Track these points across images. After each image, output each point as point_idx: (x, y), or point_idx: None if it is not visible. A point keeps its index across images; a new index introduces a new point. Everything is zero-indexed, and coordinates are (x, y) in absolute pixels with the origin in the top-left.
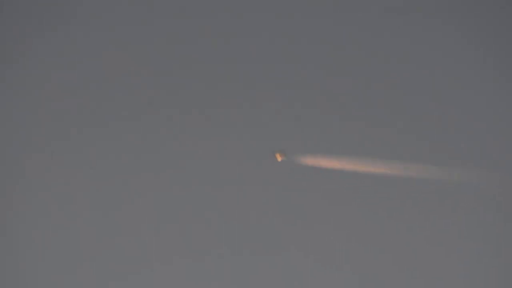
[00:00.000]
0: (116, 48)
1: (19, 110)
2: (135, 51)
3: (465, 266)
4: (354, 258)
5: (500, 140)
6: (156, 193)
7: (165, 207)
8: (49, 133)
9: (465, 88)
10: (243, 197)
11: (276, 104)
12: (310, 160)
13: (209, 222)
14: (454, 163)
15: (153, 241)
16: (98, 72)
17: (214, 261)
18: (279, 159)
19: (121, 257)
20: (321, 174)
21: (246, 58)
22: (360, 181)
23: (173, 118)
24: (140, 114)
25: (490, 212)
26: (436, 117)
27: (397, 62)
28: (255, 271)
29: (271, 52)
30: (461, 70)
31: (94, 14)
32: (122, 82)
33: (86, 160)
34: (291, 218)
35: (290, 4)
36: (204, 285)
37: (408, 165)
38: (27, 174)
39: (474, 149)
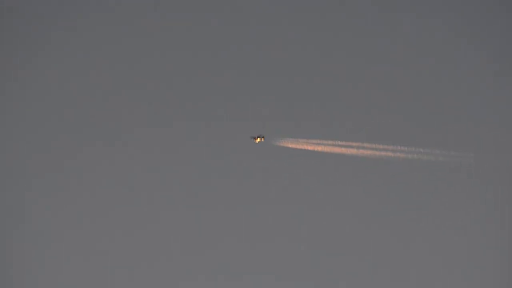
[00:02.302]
0: (111, 45)
1: (19, 111)
2: (133, 49)
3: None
4: (335, 236)
5: (492, 128)
6: (151, 177)
7: (162, 197)
8: (49, 133)
9: (457, 75)
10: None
11: (263, 93)
12: (292, 143)
13: (196, 204)
14: (439, 146)
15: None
16: (98, 72)
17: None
18: (257, 141)
19: (118, 252)
20: (307, 157)
21: (235, 47)
22: (348, 163)
23: (164, 112)
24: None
25: (478, 193)
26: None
27: (386, 50)
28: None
29: (260, 42)
30: (452, 65)
31: (94, 13)
32: (120, 80)
33: (86, 160)
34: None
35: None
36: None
37: (396, 148)
38: (27, 174)
39: (464, 135)
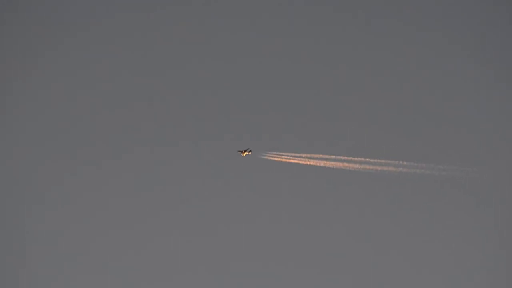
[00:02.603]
0: (108, 44)
1: (20, 113)
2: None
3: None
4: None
5: (490, 141)
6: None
7: (161, 202)
8: (50, 134)
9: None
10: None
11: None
12: (278, 157)
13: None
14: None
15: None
16: (96, 73)
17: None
18: (244, 154)
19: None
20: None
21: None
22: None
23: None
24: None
25: (478, 207)
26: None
27: (381, 61)
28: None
29: (250, 57)
30: (452, 74)
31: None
32: (118, 83)
33: (86, 159)
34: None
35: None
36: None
37: (386, 162)
38: (27, 174)
39: (459, 148)
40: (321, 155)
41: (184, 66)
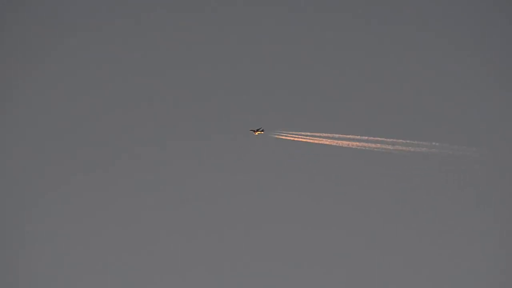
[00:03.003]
0: (107, 44)
1: (19, 112)
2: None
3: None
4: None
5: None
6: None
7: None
8: (50, 134)
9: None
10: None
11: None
12: (287, 135)
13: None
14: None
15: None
16: (95, 72)
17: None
18: (256, 134)
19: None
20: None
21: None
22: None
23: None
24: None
25: (470, 184)
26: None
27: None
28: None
29: (257, 37)
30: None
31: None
32: (117, 82)
33: (85, 158)
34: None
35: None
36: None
37: (386, 140)
38: (27, 175)
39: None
40: (333, 134)
41: (191, 47)
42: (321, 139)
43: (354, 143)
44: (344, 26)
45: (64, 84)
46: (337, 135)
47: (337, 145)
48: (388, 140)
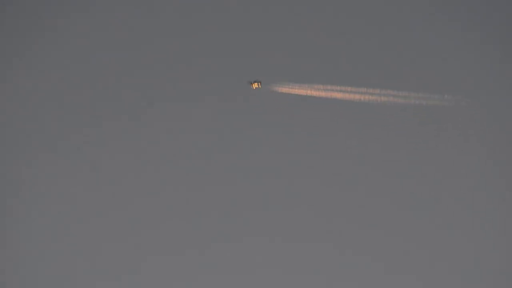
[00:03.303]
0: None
1: (19, 111)
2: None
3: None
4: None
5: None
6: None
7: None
8: (49, 134)
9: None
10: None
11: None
12: (285, 88)
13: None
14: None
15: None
16: (95, 71)
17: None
18: (255, 87)
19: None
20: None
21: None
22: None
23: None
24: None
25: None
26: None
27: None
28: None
29: None
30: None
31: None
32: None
33: (85, 158)
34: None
35: None
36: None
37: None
38: (27, 174)
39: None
40: (334, 87)
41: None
42: (322, 91)
43: (349, 95)
44: None
45: (61, 79)
46: (339, 87)
47: (340, 98)
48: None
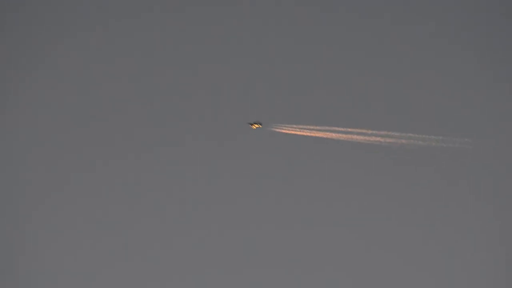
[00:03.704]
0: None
1: (19, 111)
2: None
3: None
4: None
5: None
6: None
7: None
8: (49, 134)
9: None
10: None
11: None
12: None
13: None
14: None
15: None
16: (96, 72)
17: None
18: (255, 128)
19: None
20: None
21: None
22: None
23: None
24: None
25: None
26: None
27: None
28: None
29: (255, 31)
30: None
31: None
32: (115, 81)
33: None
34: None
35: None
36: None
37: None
38: (27, 172)
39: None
40: (331, 127)
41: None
42: (318, 132)
43: (348, 136)
44: (342, 22)
45: (64, 84)
46: (339, 129)
47: (334, 138)
48: (386, 133)
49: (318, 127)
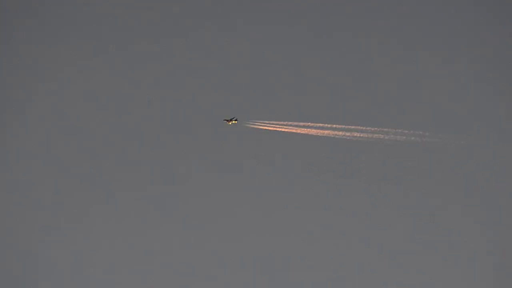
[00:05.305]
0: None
1: (18, 109)
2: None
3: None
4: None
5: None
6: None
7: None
8: (48, 133)
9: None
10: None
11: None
12: (264, 125)
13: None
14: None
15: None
16: (95, 67)
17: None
18: (230, 123)
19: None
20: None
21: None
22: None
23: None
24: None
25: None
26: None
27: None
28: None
29: (235, 31)
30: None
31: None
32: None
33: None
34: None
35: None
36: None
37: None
38: (27, 170)
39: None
40: (308, 123)
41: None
42: (292, 128)
43: (326, 132)
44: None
45: (67, 87)
46: (313, 124)
47: (307, 133)
48: (368, 129)
49: (300, 123)
